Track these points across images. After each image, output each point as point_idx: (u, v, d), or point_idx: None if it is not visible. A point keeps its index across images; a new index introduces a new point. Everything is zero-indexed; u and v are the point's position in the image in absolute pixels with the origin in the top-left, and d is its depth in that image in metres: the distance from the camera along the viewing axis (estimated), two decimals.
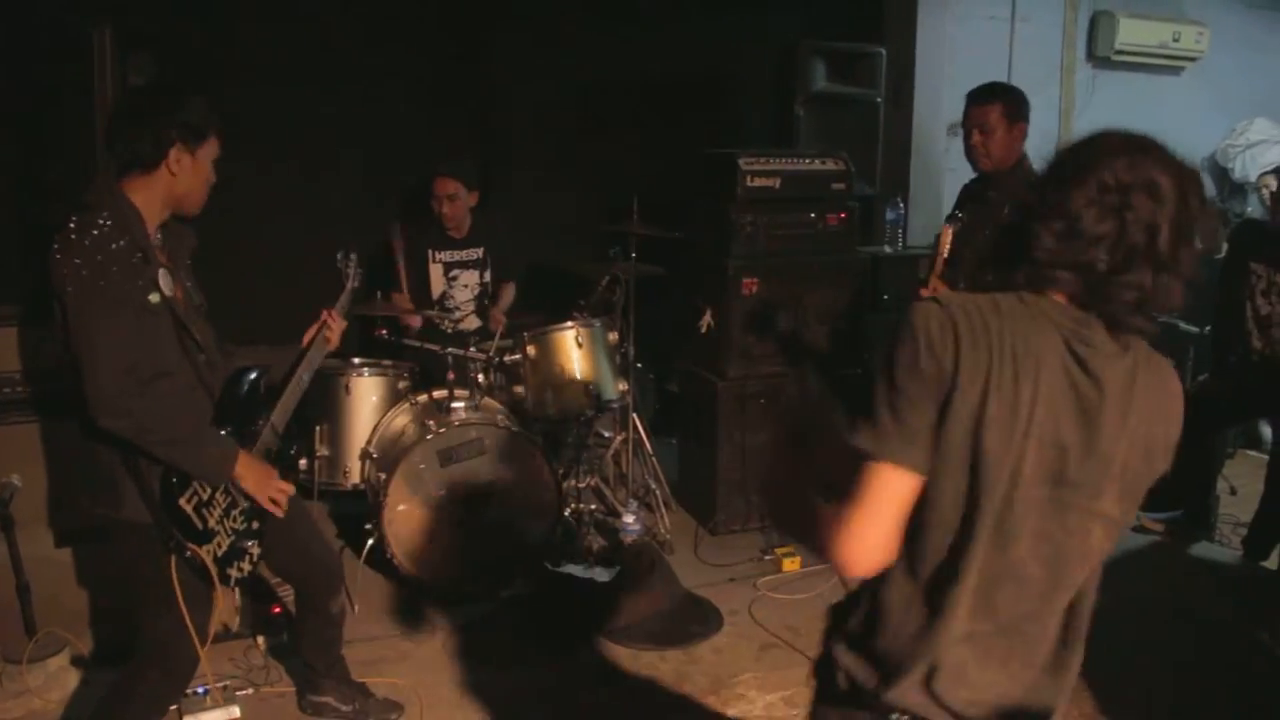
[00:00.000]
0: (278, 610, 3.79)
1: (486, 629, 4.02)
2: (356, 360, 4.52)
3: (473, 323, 5.01)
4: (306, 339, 3.06)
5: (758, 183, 4.79)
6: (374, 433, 4.35)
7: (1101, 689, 3.34)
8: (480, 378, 4.40)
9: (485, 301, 5.07)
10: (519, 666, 3.77)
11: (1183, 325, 5.76)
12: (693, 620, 4.04)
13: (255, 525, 2.81)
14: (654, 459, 5.02)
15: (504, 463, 4.24)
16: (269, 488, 2.78)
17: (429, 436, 4.10)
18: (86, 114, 3.80)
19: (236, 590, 3.37)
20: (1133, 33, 6.78)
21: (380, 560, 4.17)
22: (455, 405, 4.29)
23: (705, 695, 3.63)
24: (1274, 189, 4.59)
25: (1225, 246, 4.75)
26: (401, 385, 4.47)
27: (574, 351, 4.49)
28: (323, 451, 4.32)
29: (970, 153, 3.84)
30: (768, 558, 4.62)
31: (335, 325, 3.09)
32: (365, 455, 4.32)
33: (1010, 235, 1.59)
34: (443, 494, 4.17)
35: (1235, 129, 7.36)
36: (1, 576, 3.57)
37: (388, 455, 4.22)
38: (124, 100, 3.80)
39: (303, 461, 4.24)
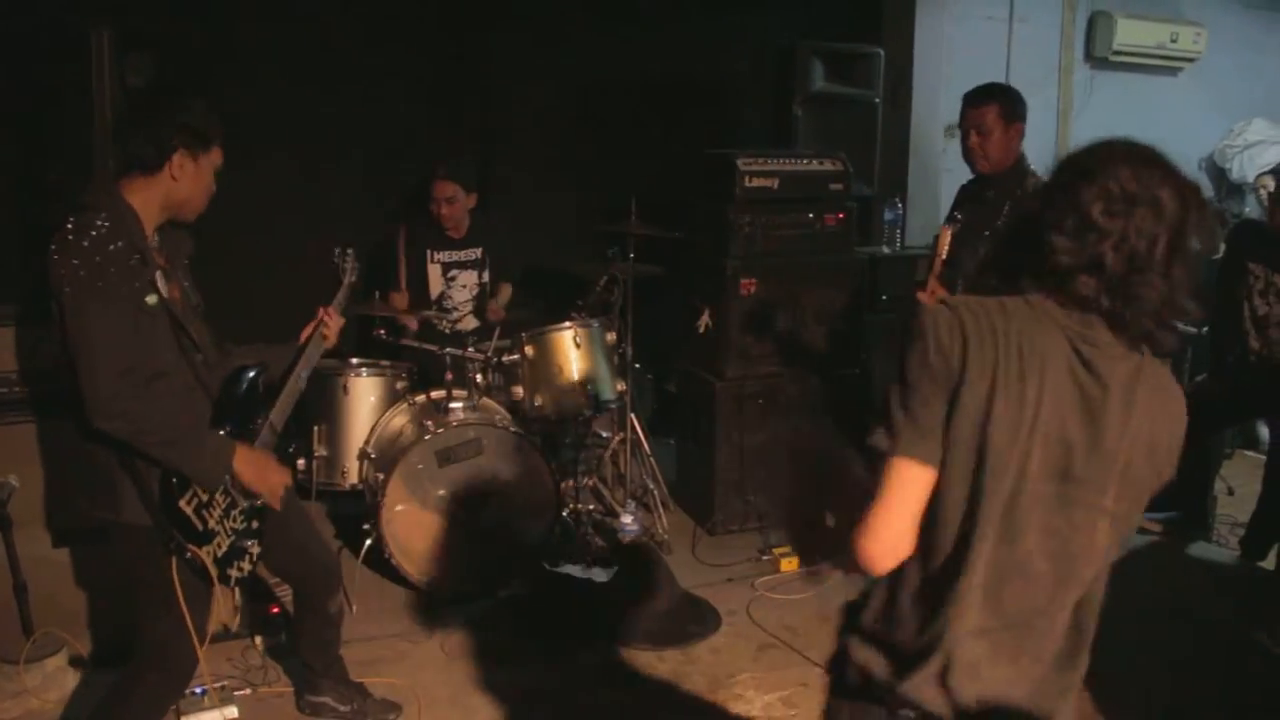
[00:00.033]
0: (276, 610, 3.79)
1: (484, 629, 4.02)
2: (354, 360, 4.52)
3: (470, 323, 5.01)
4: (304, 336, 3.06)
5: (756, 183, 4.79)
6: (372, 433, 4.35)
7: (1099, 688, 3.34)
8: (478, 378, 4.40)
9: (483, 302, 5.07)
10: (517, 667, 3.77)
11: (1180, 326, 5.76)
12: (690, 620, 4.04)
13: (255, 525, 2.81)
14: (652, 459, 5.02)
15: (502, 463, 4.24)
16: (268, 477, 2.77)
17: (427, 437, 4.10)
18: (85, 114, 3.80)
19: (236, 590, 3.37)
20: (1130, 33, 6.78)
21: (378, 560, 4.17)
22: (453, 405, 4.29)
23: (703, 696, 3.63)
24: (1272, 189, 4.59)
25: (1223, 247, 4.75)
26: (399, 385, 4.47)
27: (572, 352, 4.49)
28: (321, 451, 4.32)
29: (968, 154, 3.84)
30: (765, 558, 4.62)
31: (332, 323, 3.09)
32: (363, 455, 4.32)
33: (1017, 241, 1.64)
34: (441, 494, 4.17)
35: (1233, 129, 7.36)
36: None
37: (386, 455, 4.22)
38: (133, 100, 3.80)
39: (301, 461, 4.24)
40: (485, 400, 4.43)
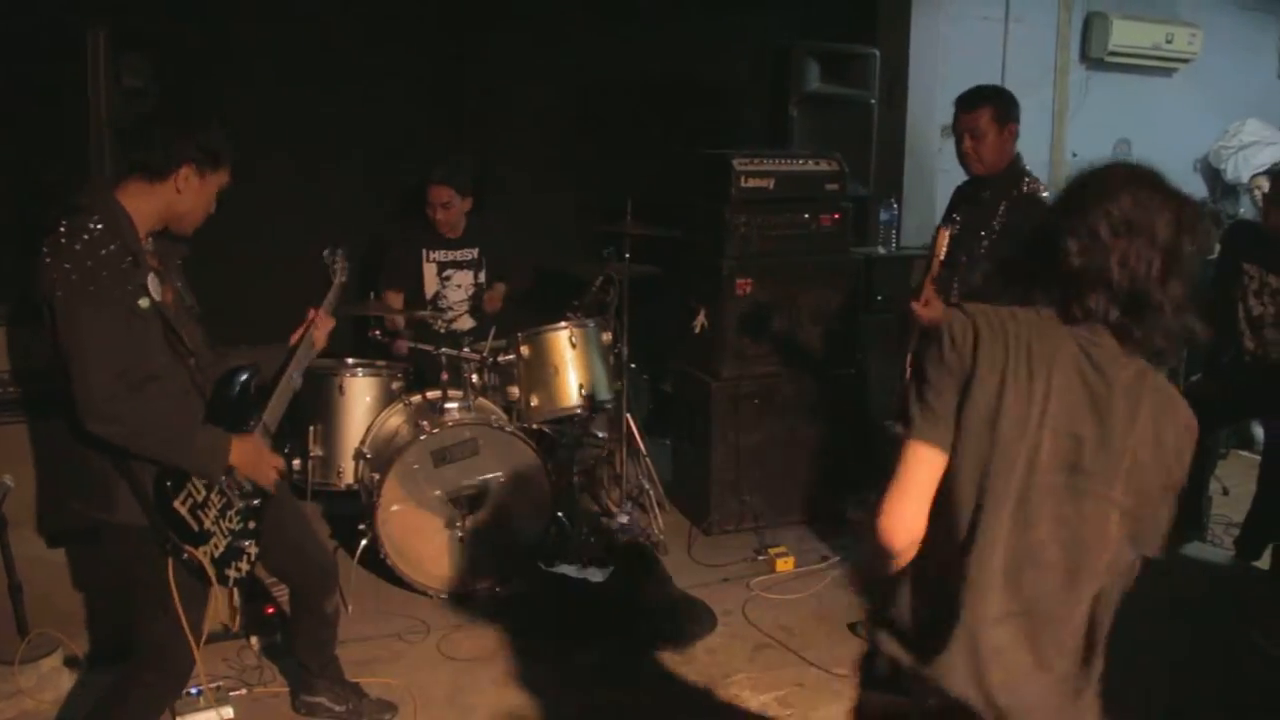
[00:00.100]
0: (272, 610, 3.79)
1: (480, 629, 4.02)
2: (350, 360, 4.51)
3: (466, 323, 5.01)
4: (294, 339, 3.05)
5: (752, 183, 4.80)
6: (368, 433, 4.34)
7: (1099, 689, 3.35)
8: (474, 378, 4.39)
9: (479, 302, 5.06)
10: (513, 667, 3.78)
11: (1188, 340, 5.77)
12: (686, 621, 4.04)
13: (251, 525, 2.81)
14: (648, 459, 5.02)
15: (498, 463, 4.24)
16: (262, 464, 2.78)
17: (423, 437, 4.10)
18: (81, 114, 3.79)
19: (236, 590, 3.37)
20: (1126, 34, 6.79)
21: (374, 560, 4.17)
22: (449, 405, 4.29)
23: (699, 696, 3.63)
24: (1266, 190, 4.60)
25: (1218, 248, 4.76)
26: (395, 385, 4.47)
27: (568, 352, 4.49)
28: (316, 452, 4.32)
29: (963, 158, 3.83)
30: (761, 558, 4.63)
31: (322, 325, 3.08)
32: (359, 455, 4.32)
33: (1031, 252, 1.78)
34: (436, 495, 4.17)
35: (1228, 130, 7.38)
36: None
37: (381, 455, 4.22)
38: (154, 105, 3.81)
39: (296, 461, 4.24)
40: (481, 400, 4.43)
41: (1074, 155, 7.03)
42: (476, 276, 5.05)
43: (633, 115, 5.79)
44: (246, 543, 2.78)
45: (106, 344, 2.40)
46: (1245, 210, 7.04)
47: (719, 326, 4.87)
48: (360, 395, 4.41)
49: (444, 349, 4.36)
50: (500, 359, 4.49)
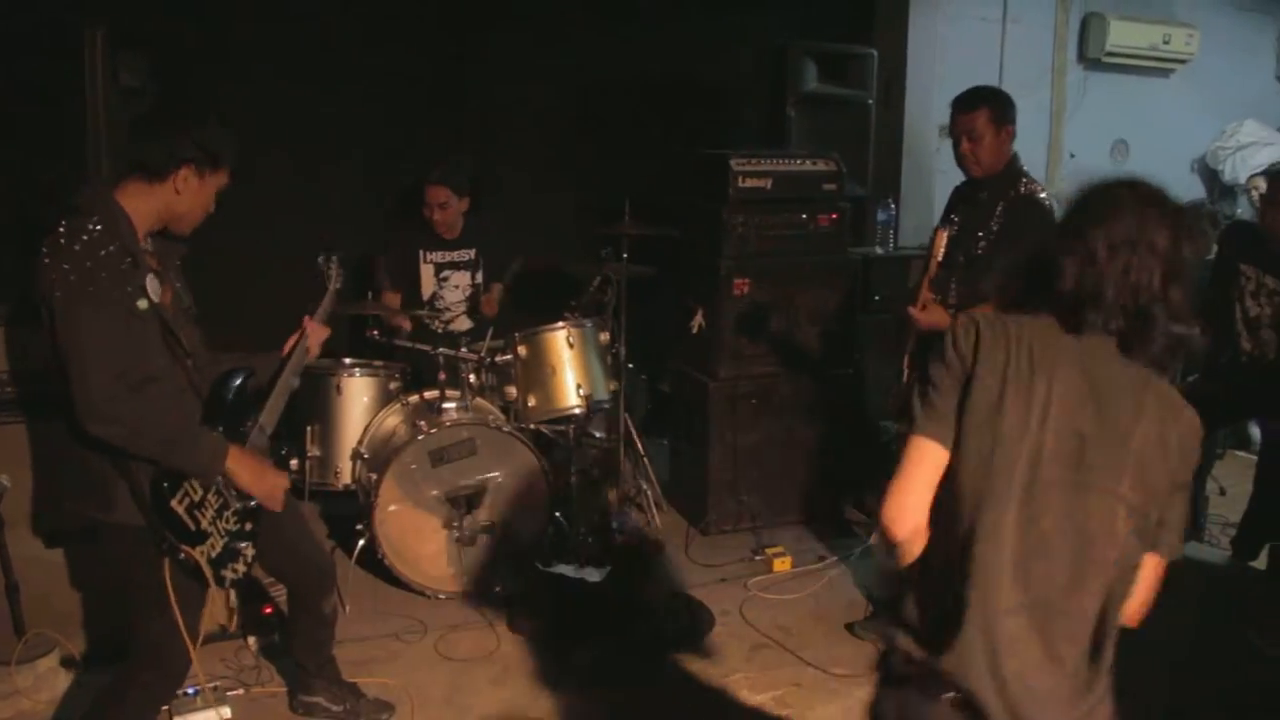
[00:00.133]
0: (269, 610, 3.78)
1: (478, 629, 4.02)
2: (348, 360, 4.51)
3: (463, 323, 5.01)
4: (286, 348, 3.04)
5: (749, 183, 4.80)
6: (365, 433, 4.34)
7: None
8: (471, 378, 4.39)
9: (476, 303, 5.06)
10: (510, 667, 3.78)
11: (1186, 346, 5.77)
12: (684, 620, 4.04)
13: (248, 526, 2.80)
14: (645, 459, 5.03)
15: (495, 463, 4.25)
16: (264, 482, 2.77)
17: (420, 437, 4.10)
18: (78, 113, 3.78)
19: (232, 591, 3.36)
20: (1123, 34, 6.80)
21: (371, 561, 4.17)
22: (446, 406, 4.29)
23: (696, 696, 3.64)
24: (1263, 191, 4.60)
25: (1215, 248, 4.76)
26: (393, 386, 4.47)
27: (565, 352, 4.48)
28: (314, 452, 4.32)
29: (960, 161, 3.83)
30: (759, 558, 4.63)
31: (315, 334, 3.07)
32: (356, 455, 4.32)
33: (1034, 267, 1.84)
34: (434, 495, 4.17)
35: (1225, 131, 7.39)
36: None
37: (379, 455, 4.22)
38: (151, 107, 3.80)
39: (294, 462, 4.24)
40: (478, 400, 4.43)
41: (1072, 156, 7.05)
42: (474, 277, 5.05)
43: (632, 115, 5.79)
44: (243, 544, 2.78)
45: (105, 345, 2.40)
46: (1243, 211, 7.05)
47: (716, 326, 4.87)
48: (358, 395, 4.41)
49: (441, 349, 4.36)
50: (498, 359, 4.49)
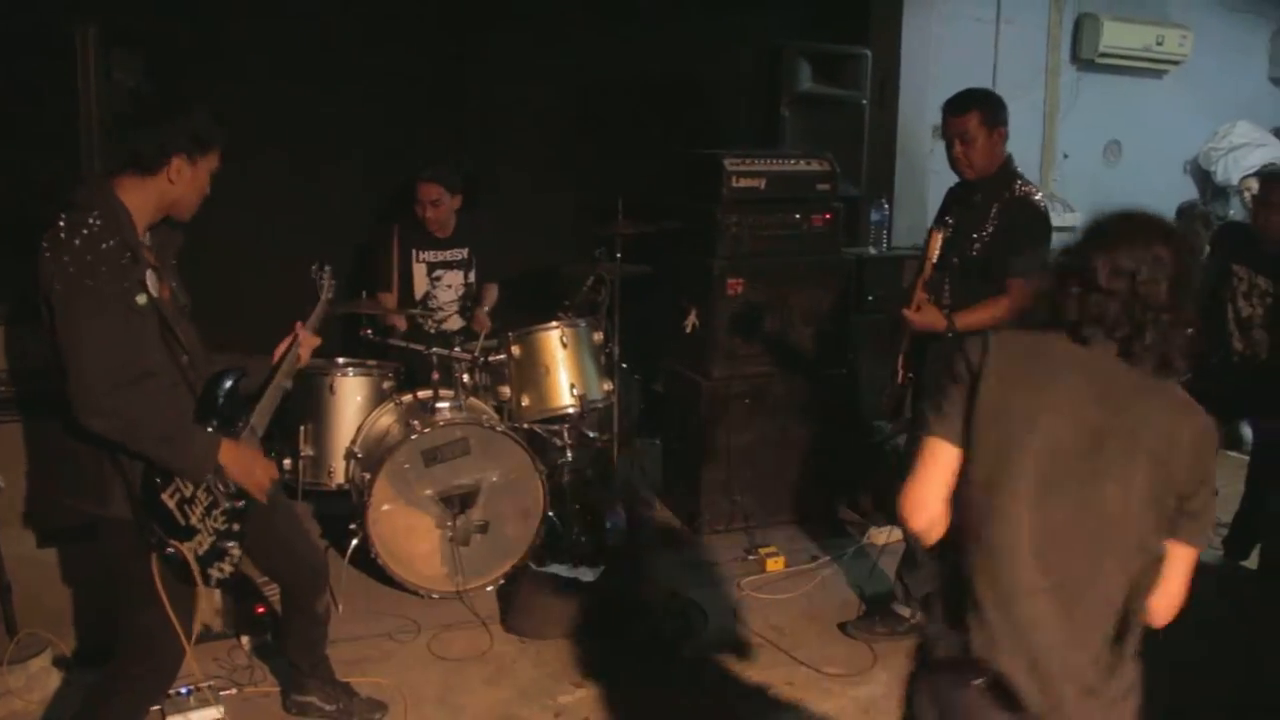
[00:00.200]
0: (263, 610, 3.78)
1: (470, 629, 4.02)
2: (341, 360, 4.51)
3: (456, 323, 5.01)
4: (277, 355, 3.04)
5: (743, 183, 4.80)
6: (358, 433, 4.34)
7: None
8: (465, 378, 4.39)
9: (468, 302, 5.06)
10: (503, 666, 3.78)
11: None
12: (677, 620, 4.04)
13: (236, 527, 2.79)
14: (639, 459, 5.02)
15: (488, 463, 4.24)
16: (254, 472, 2.77)
17: (414, 436, 4.10)
18: (71, 112, 3.78)
19: (218, 591, 3.35)
20: (1117, 35, 6.82)
21: (365, 560, 4.16)
22: (440, 405, 4.29)
23: (691, 695, 3.64)
24: (1256, 192, 4.61)
25: (1207, 249, 4.78)
26: (386, 385, 4.46)
27: (559, 351, 4.48)
28: (307, 451, 4.31)
29: (954, 164, 3.82)
30: (752, 558, 4.63)
31: (307, 343, 3.07)
32: (350, 455, 4.31)
33: (1046, 286, 1.97)
34: (427, 494, 4.17)
35: (1218, 132, 7.41)
36: None
37: (372, 455, 4.21)
38: (136, 100, 3.80)
39: (287, 461, 4.23)
40: (472, 400, 4.42)
41: (1065, 156, 7.06)
42: (466, 277, 5.04)
43: (632, 115, 5.80)
44: (230, 544, 2.77)
45: (103, 338, 2.40)
46: (1235, 212, 7.07)
47: (710, 326, 4.87)
48: (351, 395, 4.41)
49: (435, 348, 4.36)
50: (491, 359, 4.49)
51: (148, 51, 4.02)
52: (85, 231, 2.41)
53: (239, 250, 4.87)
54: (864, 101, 5.75)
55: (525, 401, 4.47)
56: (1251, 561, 4.59)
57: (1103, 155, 7.26)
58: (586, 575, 4.14)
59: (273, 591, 3.70)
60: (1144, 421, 1.79)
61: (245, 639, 3.76)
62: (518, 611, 4.04)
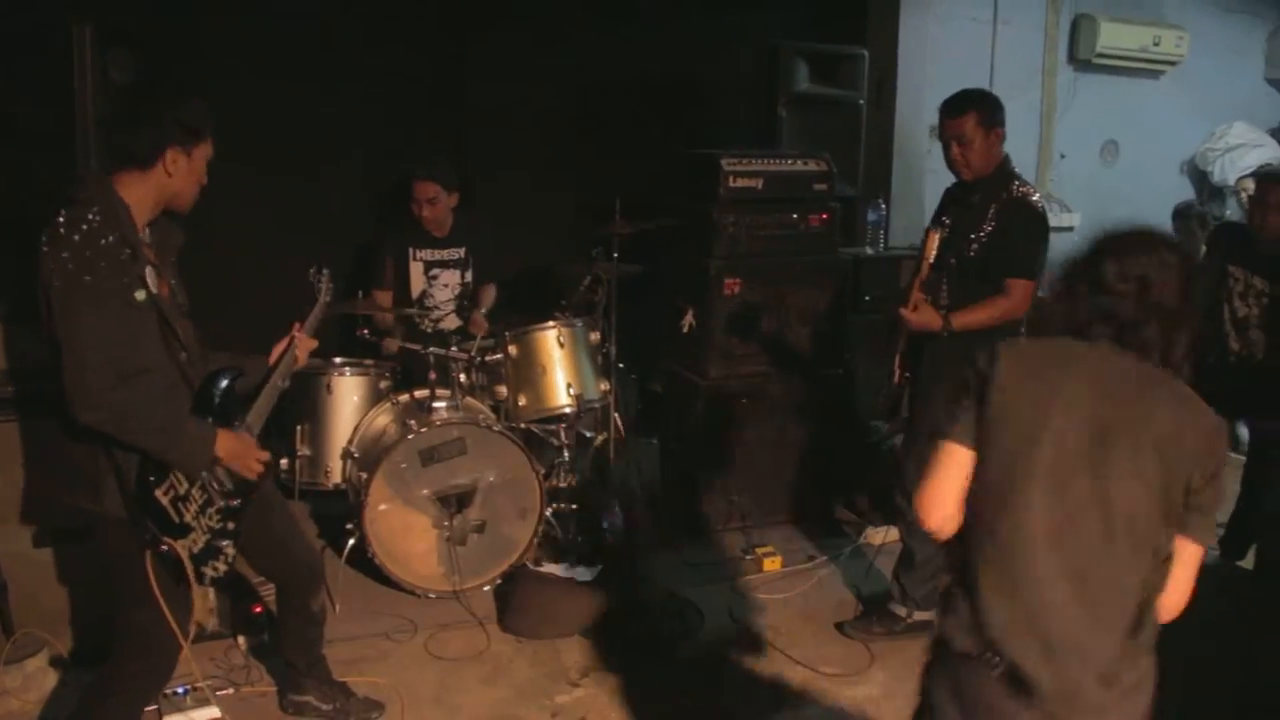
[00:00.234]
0: (259, 609, 3.78)
1: (467, 628, 4.02)
2: (338, 360, 4.50)
3: (453, 322, 5.00)
4: (274, 356, 3.04)
5: (740, 183, 4.80)
6: (355, 432, 4.34)
7: None
8: (462, 377, 4.39)
9: (465, 301, 5.06)
10: (500, 666, 3.78)
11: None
12: (673, 619, 4.04)
13: (231, 525, 2.79)
14: (636, 459, 5.02)
15: (485, 462, 4.24)
16: (248, 457, 2.77)
17: (410, 436, 4.09)
18: (67, 110, 3.78)
19: (211, 590, 3.35)
20: (1114, 36, 6.82)
21: (361, 560, 4.16)
22: (437, 405, 4.29)
23: (685, 694, 3.64)
24: (1252, 192, 4.62)
25: (1203, 249, 4.78)
26: (383, 385, 4.46)
27: (556, 351, 4.48)
28: (304, 451, 4.30)
29: (951, 165, 3.82)
30: (748, 557, 4.63)
31: (303, 344, 3.07)
32: (346, 455, 4.31)
33: (1057, 292, 2.06)
34: (424, 494, 4.17)
35: (1214, 133, 7.41)
36: None
37: (369, 455, 4.21)
38: (127, 96, 3.80)
39: (284, 461, 4.22)
40: (469, 400, 4.42)
41: (1062, 156, 7.06)
42: (463, 276, 5.04)
43: (631, 115, 5.78)
44: (225, 543, 2.77)
45: (101, 333, 2.41)
46: (1232, 212, 7.07)
47: (707, 326, 4.87)
48: (348, 394, 4.41)
49: (432, 348, 4.36)
50: (488, 358, 4.49)
51: (144, 51, 4.02)
52: (85, 227, 2.42)
53: (238, 249, 4.87)
54: (861, 102, 5.74)
55: (522, 401, 4.47)
56: (1248, 562, 4.60)
57: (1100, 156, 7.26)
58: (583, 575, 4.14)
59: (269, 591, 3.70)
60: (1151, 415, 1.84)
61: (242, 639, 3.76)
62: (515, 611, 4.04)
